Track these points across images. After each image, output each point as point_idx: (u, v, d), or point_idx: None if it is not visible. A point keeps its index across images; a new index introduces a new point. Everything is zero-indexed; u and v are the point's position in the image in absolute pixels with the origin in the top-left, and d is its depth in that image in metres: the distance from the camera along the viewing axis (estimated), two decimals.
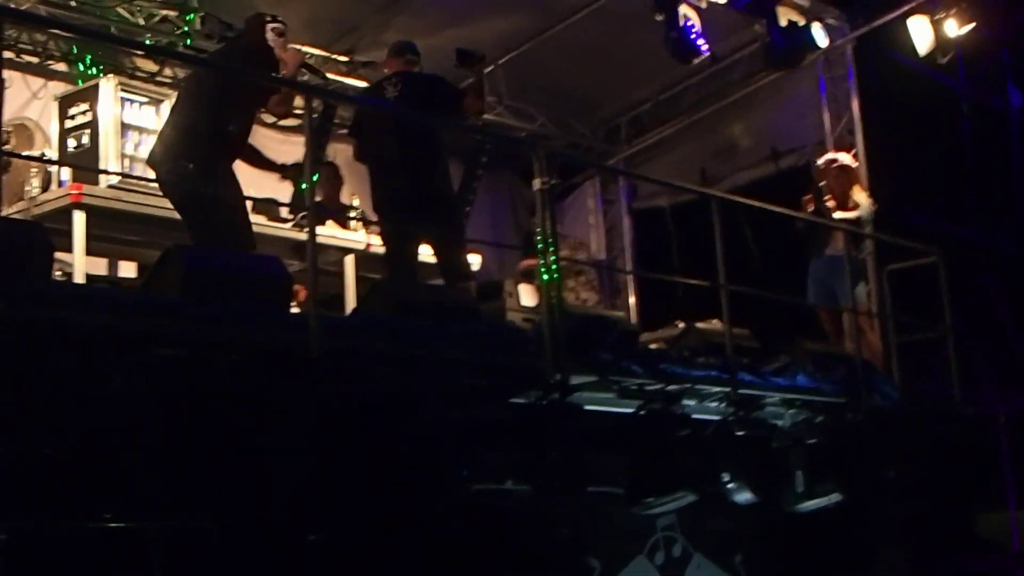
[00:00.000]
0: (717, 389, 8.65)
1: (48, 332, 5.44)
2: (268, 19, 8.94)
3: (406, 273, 9.17)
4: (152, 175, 8.87)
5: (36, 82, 11.82)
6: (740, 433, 8.69)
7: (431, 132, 9.54)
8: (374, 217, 9.89)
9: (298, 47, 8.96)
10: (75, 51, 12.00)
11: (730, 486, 8.52)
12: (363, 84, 13.58)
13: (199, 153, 8.33)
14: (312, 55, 13.15)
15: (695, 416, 8.48)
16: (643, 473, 8.04)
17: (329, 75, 13.34)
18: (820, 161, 11.89)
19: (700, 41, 12.78)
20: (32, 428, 5.31)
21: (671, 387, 8.23)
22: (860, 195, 11.56)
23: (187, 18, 12.06)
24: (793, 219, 11.33)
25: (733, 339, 8.97)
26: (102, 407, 5.50)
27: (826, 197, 11.43)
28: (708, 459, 8.38)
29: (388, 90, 9.76)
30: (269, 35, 8.84)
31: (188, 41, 12.13)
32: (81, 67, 11.90)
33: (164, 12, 12.08)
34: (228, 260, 7.23)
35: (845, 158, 11.82)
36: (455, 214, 9.91)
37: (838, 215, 11.31)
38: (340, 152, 14.09)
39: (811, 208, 11.37)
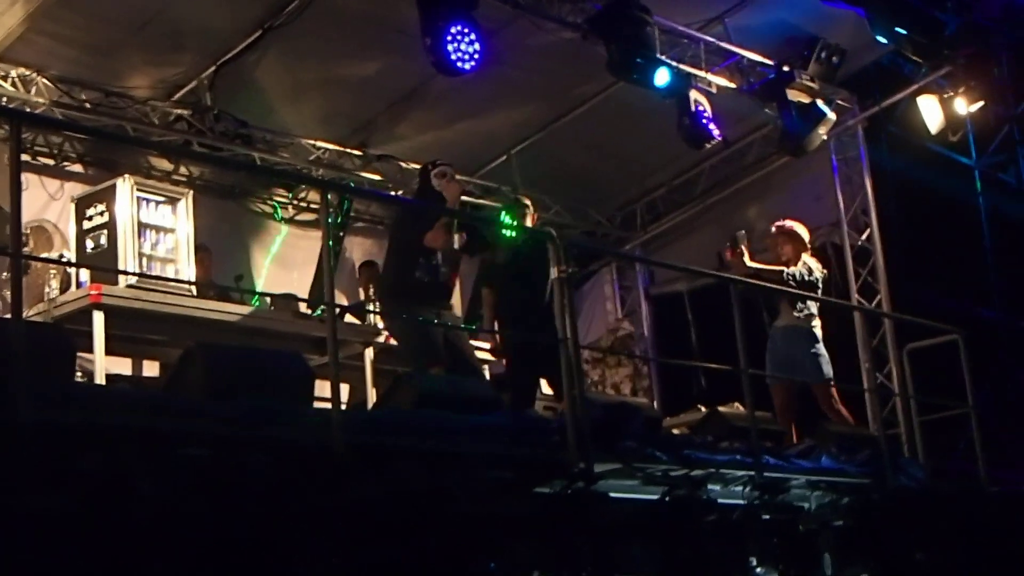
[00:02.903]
0: (742, 473, 8.57)
1: (71, 434, 5.43)
2: (431, 166, 9.55)
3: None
4: (169, 273, 8.98)
5: (53, 184, 11.89)
6: (766, 517, 8.61)
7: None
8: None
9: (458, 181, 9.56)
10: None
11: (758, 571, 8.43)
12: (378, 178, 13.67)
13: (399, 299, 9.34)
14: (325, 149, 13.26)
15: (721, 501, 8.40)
16: (671, 560, 7.96)
17: (343, 169, 13.47)
18: (772, 228, 11.55)
19: (712, 126, 12.86)
20: (55, 531, 5.28)
21: (696, 472, 8.15)
22: (811, 260, 11.18)
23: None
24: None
25: (756, 422, 8.92)
26: (127, 508, 5.46)
27: (776, 265, 11.12)
28: (735, 544, 8.29)
29: None
30: (434, 181, 9.42)
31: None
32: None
33: (178, 111, 12.16)
34: (250, 358, 7.24)
35: (792, 225, 11.45)
36: None
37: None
38: (357, 246, 14.18)
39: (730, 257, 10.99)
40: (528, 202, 10.63)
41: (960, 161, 13.82)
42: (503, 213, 9.81)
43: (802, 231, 11.24)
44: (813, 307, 10.90)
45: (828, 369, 10.84)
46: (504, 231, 10.22)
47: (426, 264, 9.22)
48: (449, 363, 8.97)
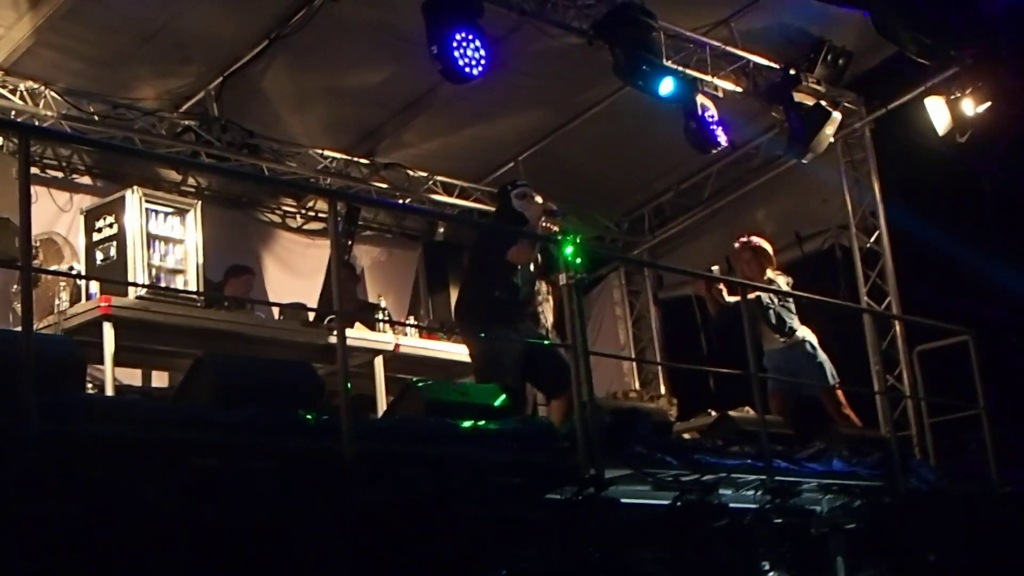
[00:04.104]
0: (753, 477, 8.56)
1: (81, 445, 5.44)
2: (510, 187, 9.77)
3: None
4: (179, 284, 9.01)
5: (62, 196, 11.91)
6: (778, 521, 8.61)
7: None
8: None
9: (539, 200, 9.64)
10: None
11: (771, 575, 8.43)
12: (385, 186, 13.68)
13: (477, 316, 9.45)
14: (332, 158, 13.28)
15: (732, 505, 8.39)
16: (682, 565, 7.96)
17: (351, 178, 13.48)
18: (736, 244, 11.56)
19: (718, 130, 12.85)
20: (66, 541, 5.29)
21: (707, 477, 8.15)
22: (776, 276, 11.15)
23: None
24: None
25: (766, 426, 8.91)
26: (136, 518, 5.47)
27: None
28: (747, 549, 8.29)
29: None
30: (515, 201, 9.61)
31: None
32: None
33: (186, 122, 12.18)
34: (259, 367, 7.25)
35: (759, 241, 11.38)
36: None
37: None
38: (365, 253, 14.19)
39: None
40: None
41: (968, 162, 13.76)
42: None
43: (766, 246, 11.27)
44: (793, 322, 10.95)
45: (831, 375, 10.86)
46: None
47: (506, 283, 9.34)
48: (520, 379, 9.18)
